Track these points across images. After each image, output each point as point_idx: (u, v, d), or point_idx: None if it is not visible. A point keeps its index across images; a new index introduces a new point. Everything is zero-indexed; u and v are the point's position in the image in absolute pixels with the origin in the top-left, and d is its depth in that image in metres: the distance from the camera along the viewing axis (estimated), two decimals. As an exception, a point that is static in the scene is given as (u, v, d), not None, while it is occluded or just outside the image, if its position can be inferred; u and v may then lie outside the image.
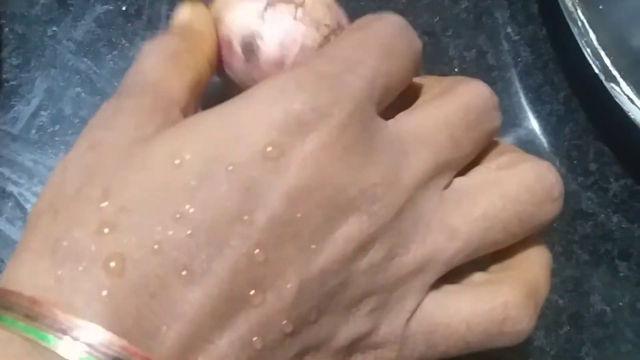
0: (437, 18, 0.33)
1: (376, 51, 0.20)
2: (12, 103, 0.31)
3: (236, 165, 0.17)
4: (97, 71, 0.32)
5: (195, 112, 0.20)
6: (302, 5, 0.22)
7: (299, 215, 0.17)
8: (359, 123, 0.18)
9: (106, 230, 0.16)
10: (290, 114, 0.17)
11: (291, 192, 0.17)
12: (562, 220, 0.31)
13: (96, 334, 0.15)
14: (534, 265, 0.21)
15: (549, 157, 0.32)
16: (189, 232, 0.16)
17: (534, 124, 0.32)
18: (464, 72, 0.33)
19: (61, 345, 0.15)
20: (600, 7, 0.31)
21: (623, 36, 0.31)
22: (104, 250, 0.16)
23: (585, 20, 0.30)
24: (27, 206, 0.30)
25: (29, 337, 0.15)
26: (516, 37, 0.34)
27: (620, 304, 0.30)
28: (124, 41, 0.33)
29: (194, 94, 0.20)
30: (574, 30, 0.30)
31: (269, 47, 0.22)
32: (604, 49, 0.29)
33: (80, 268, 0.16)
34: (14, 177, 0.31)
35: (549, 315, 0.30)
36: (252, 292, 0.17)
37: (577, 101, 0.33)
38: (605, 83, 0.29)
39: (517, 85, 0.33)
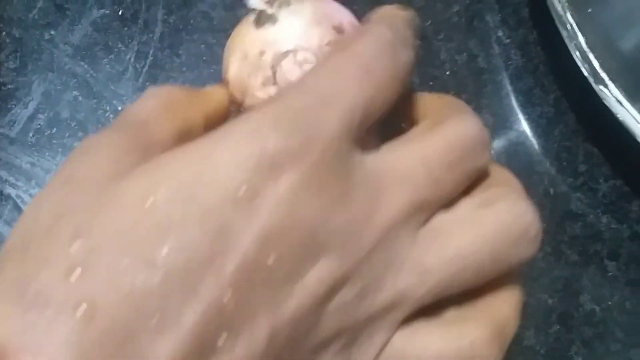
0: (429, 22, 0.34)
1: (355, 77, 0.19)
2: (10, 106, 0.32)
3: (208, 207, 0.16)
4: (94, 75, 0.32)
5: None
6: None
7: (270, 258, 0.17)
8: (334, 160, 0.18)
9: (76, 273, 0.16)
10: (264, 154, 0.17)
11: (263, 235, 0.17)
12: (552, 220, 0.31)
13: None
14: (504, 304, 0.21)
15: (539, 159, 0.32)
16: (159, 277, 0.16)
17: (524, 126, 0.33)
18: (455, 75, 0.33)
19: None
20: (589, 10, 0.31)
21: (611, 39, 0.31)
22: (72, 295, 0.16)
23: (574, 24, 0.30)
24: (25, 208, 0.30)
25: None
26: (507, 41, 0.34)
27: (610, 303, 0.31)
28: (120, 45, 0.33)
29: (179, 143, 0.20)
30: (563, 34, 0.30)
31: None
32: (592, 52, 0.30)
33: (48, 313, 0.15)
34: (11, 179, 0.31)
35: (539, 314, 0.30)
36: (223, 338, 0.16)
37: (566, 103, 0.33)
38: (594, 85, 0.29)
39: (508, 88, 0.33)
